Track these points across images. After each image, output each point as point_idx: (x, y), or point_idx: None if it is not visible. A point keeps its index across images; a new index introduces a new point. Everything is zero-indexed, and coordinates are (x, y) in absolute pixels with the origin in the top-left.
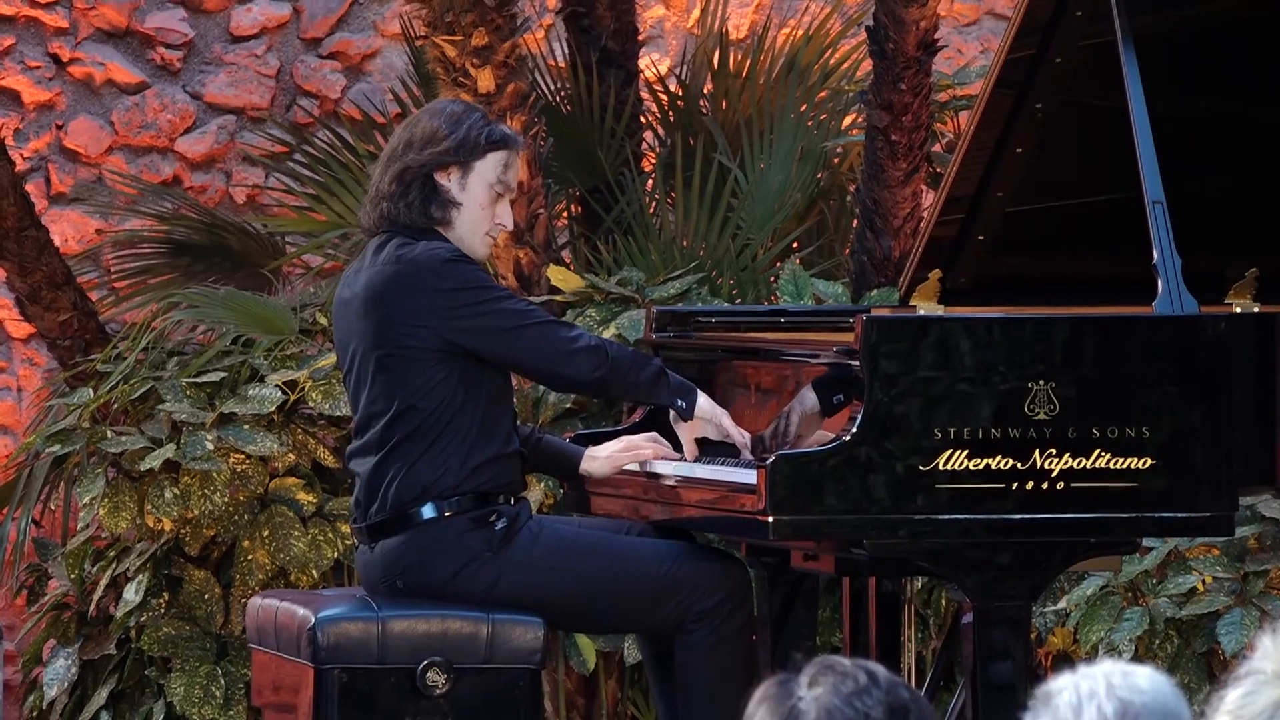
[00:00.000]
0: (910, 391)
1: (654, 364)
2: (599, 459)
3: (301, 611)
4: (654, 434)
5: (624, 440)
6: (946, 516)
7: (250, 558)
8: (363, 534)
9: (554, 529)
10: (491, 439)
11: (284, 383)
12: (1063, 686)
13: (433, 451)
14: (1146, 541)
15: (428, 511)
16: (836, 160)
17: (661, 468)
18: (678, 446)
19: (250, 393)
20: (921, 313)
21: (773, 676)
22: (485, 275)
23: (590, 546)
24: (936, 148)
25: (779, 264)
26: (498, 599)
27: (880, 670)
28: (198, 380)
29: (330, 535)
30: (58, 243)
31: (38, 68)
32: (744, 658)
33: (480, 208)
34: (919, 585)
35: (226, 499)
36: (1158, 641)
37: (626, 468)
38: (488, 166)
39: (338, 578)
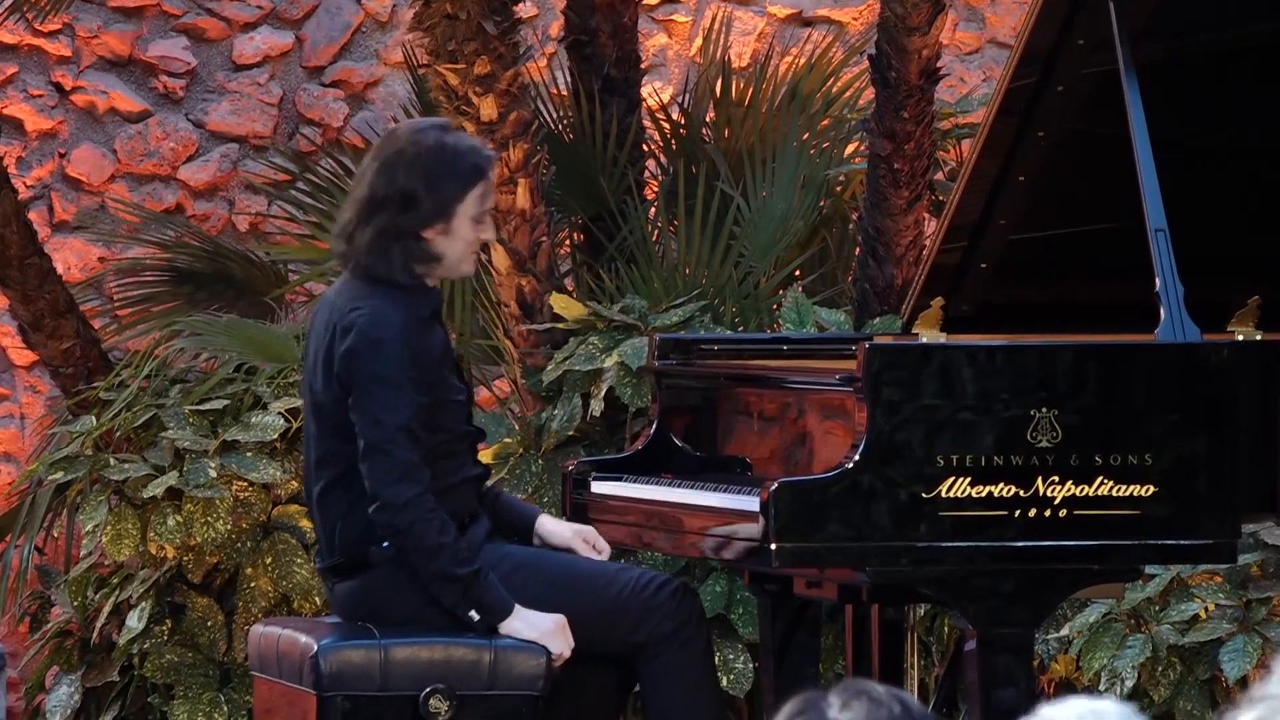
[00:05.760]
0: (913, 419)
1: (461, 575)
2: (553, 532)
3: (304, 639)
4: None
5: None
6: (949, 544)
7: (253, 585)
8: (323, 575)
9: (511, 554)
10: (433, 473)
11: (286, 410)
12: None
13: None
14: (1149, 569)
15: (376, 553)
16: (839, 188)
17: (663, 494)
18: (688, 474)
19: (253, 420)
20: (924, 340)
21: (801, 694)
22: (401, 365)
23: (548, 568)
24: (939, 176)
25: (781, 292)
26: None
27: (913, 702)
28: (200, 408)
29: None
30: (60, 271)
31: (40, 96)
32: (710, 683)
33: (466, 243)
34: (922, 612)
35: (229, 526)
36: (1160, 668)
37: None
38: (468, 206)
39: None
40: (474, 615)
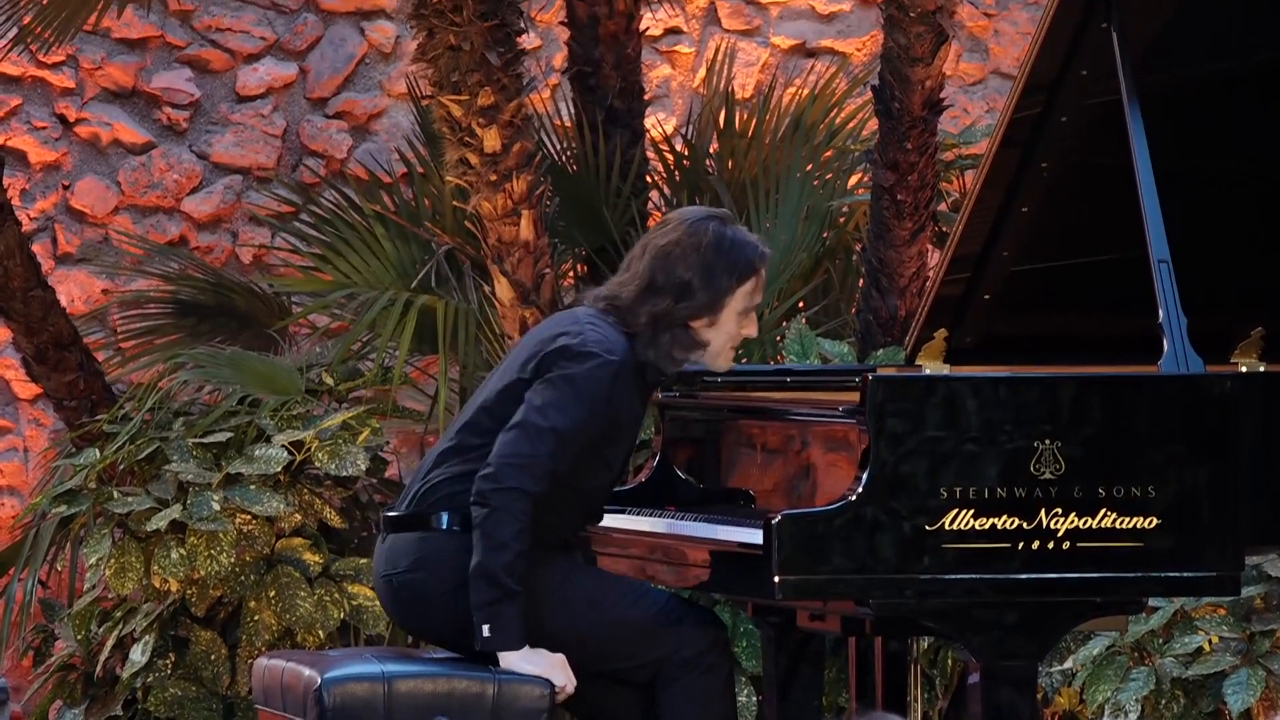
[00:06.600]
0: (916, 451)
1: (505, 586)
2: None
3: (308, 672)
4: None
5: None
6: (953, 576)
7: (256, 618)
8: (385, 524)
9: (549, 560)
10: (551, 502)
11: (290, 443)
12: None
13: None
14: (1153, 601)
15: (441, 519)
16: (842, 219)
17: (666, 527)
18: (691, 507)
19: (257, 453)
20: (927, 372)
21: None
22: (596, 386)
23: (581, 579)
24: (942, 207)
25: (785, 323)
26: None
27: None
28: (204, 440)
29: (337, 596)
30: (64, 303)
31: (44, 128)
32: (730, 714)
33: (728, 336)
34: (925, 645)
35: (233, 559)
36: (1164, 701)
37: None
38: (737, 301)
39: (344, 638)
40: (485, 631)
